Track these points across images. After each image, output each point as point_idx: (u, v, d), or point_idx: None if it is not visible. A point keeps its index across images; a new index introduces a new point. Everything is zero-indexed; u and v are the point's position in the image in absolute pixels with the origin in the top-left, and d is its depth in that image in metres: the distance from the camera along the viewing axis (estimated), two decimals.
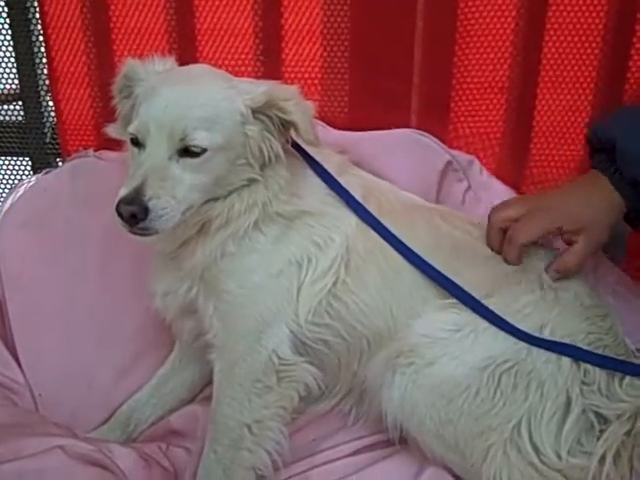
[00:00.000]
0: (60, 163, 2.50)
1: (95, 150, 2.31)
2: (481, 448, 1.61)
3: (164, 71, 1.75)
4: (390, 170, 2.06)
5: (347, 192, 1.78)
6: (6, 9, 2.37)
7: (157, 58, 1.78)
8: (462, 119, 2.25)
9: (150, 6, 2.24)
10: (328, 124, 2.21)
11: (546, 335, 1.65)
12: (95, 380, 2.01)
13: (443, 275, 1.72)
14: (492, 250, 1.79)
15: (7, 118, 2.54)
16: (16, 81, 2.47)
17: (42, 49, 2.37)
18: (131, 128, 1.64)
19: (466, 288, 1.70)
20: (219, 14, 2.23)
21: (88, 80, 2.33)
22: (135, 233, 1.60)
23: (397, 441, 1.75)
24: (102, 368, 2.02)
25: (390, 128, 2.21)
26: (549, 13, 2.10)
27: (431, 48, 2.16)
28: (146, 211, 1.55)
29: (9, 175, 2.68)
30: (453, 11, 2.12)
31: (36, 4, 2.31)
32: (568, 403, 1.61)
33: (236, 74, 1.97)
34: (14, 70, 2.45)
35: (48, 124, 2.51)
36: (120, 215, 1.56)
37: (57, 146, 2.49)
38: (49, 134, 2.51)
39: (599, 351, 1.67)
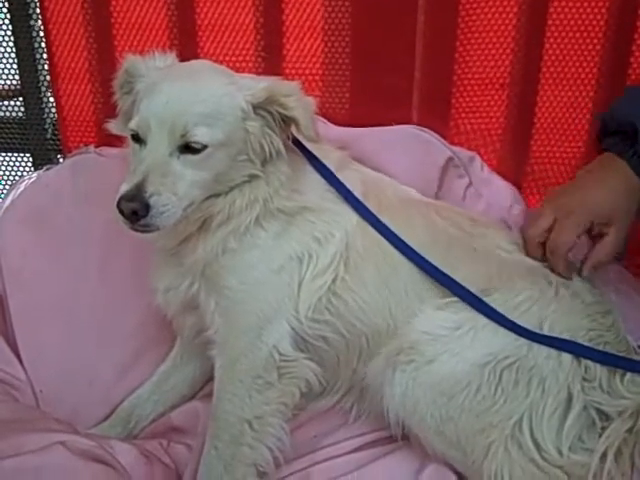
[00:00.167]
0: (61, 159, 2.50)
1: (96, 146, 2.31)
2: (482, 445, 1.61)
3: (165, 67, 1.75)
4: (391, 166, 2.06)
5: (346, 188, 1.78)
6: (7, 5, 2.37)
7: (158, 54, 1.78)
8: (463, 115, 2.25)
9: (151, 2, 2.25)
10: (329, 120, 2.21)
11: (545, 331, 1.65)
12: (96, 377, 2.01)
13: (442, 272, 1.72)
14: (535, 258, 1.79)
15: (8, 114, 2.55)
16: (17, 77, 2.47)
17: (43, 45, 2.38)
18: (132, 124, 1.64)
19: (465, 284, 1.70)
20: (220, 10, 2.23)
21: (89, 76, 2.34)
22: (136, 230, 1.59)
23: (400, 437, 1.74)
24: (103, 365, 2.02)
25: (391, 124, 2.21)
26: (550, 9, 2.10)
27: (432, 44, 2.17)
28: (147, 208, 1.55)
29: (10, 171, 2.69)
30: (454, 7, 2.13)
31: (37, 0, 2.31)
32: (569, 399, 1.61)
33: (237, 70, 1.96)
34: (15, 66, 2.46)
35: (49, 120, 2.51)
36: (121, 212, 1.56)
37: (58, 142, 2.50)
38: (50, 130, 2.52)
39: (600, 348, 1.66)
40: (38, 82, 2.44)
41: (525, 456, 1.59)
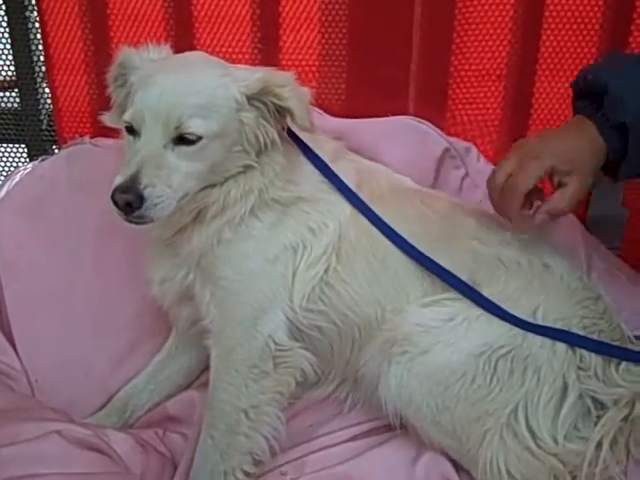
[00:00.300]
0: (56, 150, 2.49)
1: (91, 137, 2.31)
2: (478, 433, 1.61)
3: (159, 59, 1.74)
4: (387, 157, 2.06)
5: (339, 179, 1.78)
6: None
7: (152, 46, 1.77)
8: (460, 106, 2.25)
9: None
10: (325, 111, 2.21)
11: (539, 319, 1.65)
12: (91, 367, 2.01)
13: (435, 263, 1.72)
14: (500, 214, 1.76)
15: (3, 105, 2.54)
16: (12, 68, 2.46)
17: (38, 36, 2.36)
18: (126, 116, 1.63)
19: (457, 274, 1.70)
20: (216, 1, 2.23)
21: (85, 67, 2.33)
22: (130, 221, 1.59)
23: (398, 426, 1.75)
24: (98, 355, 2.03)
25: (388, 115, 2.22)
26: (547, 1, 2.10)
27: (429, 35, 2.17)
28: (141, 199, 1.54)
29: (5, 162, 2.68)
30: None
31: None
32: (565, 388, 1.61)
33: (233, 61, 1.97)
34: (10, 57, 2.44)
35: (44, 111, 2.50)
36: (115, 203, 1.56)
37: (53, 133, 2.49)
38: (45, 121, 2.51)
39: (594, 336, 1.67)
40: (33, 73, 2.43)
41: (520, 444, 1.59)
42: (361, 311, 1.75)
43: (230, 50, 2.26)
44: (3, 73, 2.48)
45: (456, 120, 2.26)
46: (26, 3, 2.35)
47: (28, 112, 2.49)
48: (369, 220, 1.76)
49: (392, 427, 1.76)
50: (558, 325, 1.65)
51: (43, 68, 2.41)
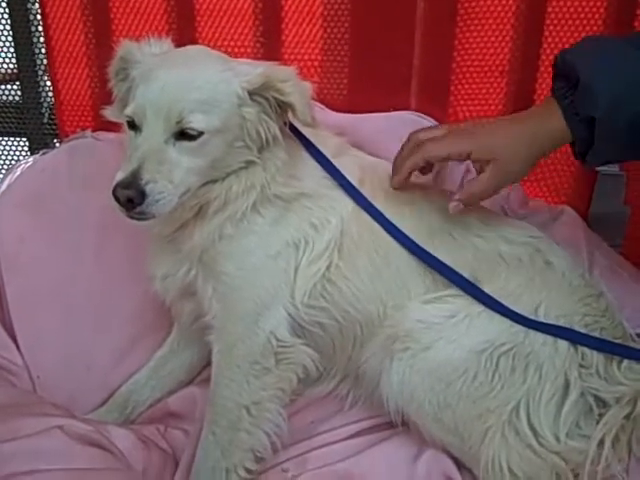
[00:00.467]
0: (57, 144, 2.49)
1: (93, 130, 2.30)
2: (479, 431, 1.61)
3: (160, 53, 1.73)
4: (389, 152, 2.02)
5: (341, 174, 1.77)
6: None
7: (153, 39, 1.76)
8: (462, 102, 2.25)
9: None
10: (327, 106, 2.21)
11: (541, 316, 1.65)
12: (93, 362, 2.01)
13: (437, 259, 1.72)
14: (394, 163, 1.78)
15: (4, 98, 2.53)
16: (14, 61, 2.46)
17: (40, 28, 2.36)
18: (127, 111, 1.63)
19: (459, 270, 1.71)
20: None
21: (86, 60, 2.32)
22: (132, 217, 1.59)
23: (400, 424, 1.75)
24: (100, 350, 2.02)
25: (389, 111, 2.21)
26: None
27: (431, 31, 2.16)
28: (143, 195, 1.54)
29: (6, 156, 2.68)
30: None
31: None
32: (566, 386, 1.61)
33: (235, 55, 1.97)
34: (12, 50, 2.44)
35: (46, 104, 2.50)
36: (117, 199, 1.55)
37: (55, 127, 2.48)
38: (47, 114, 2.51)
39: (596, 333, 1.66)
40: (35, 66, 2.43)
41: (522, 442, 1.59)
42: (362, 307, 1.75)
43: (232, 44, 2.25)
44: (4, 66, 2.47)
45: (458, 116, 2.26)
46: None
47: (29, 105, 2.48)
48: (371, 216, 1.75)
49: (393, 424, 1.75)
50: (560, 322, 1.65)
51: (45, 61, 2.40)
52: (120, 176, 1.56)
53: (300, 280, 1.73)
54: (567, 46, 2.08)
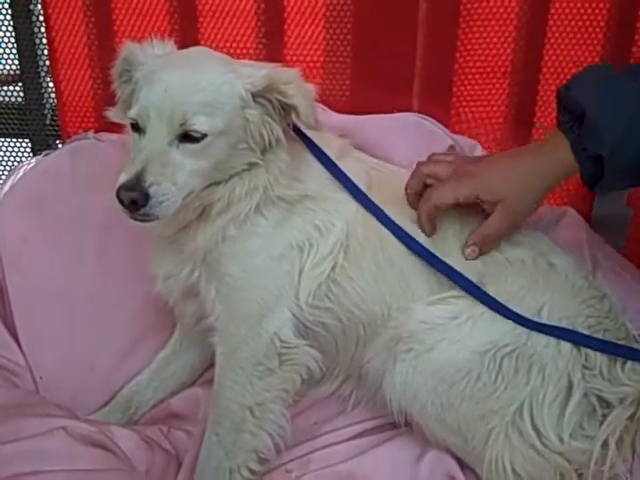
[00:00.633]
0: (60, 145, 2.49)
1: (95, 132, 2.30)
2: (483, 431, 1.61)
3: (163, 54, 1.73)
4: (392, 154, 2.06)
5: (346, 176, 1.77)
6: None
7: (156, 41, 1.76)
8: (464, 103, 2.25)
9: None
10: (330, 107, 2.20)
11: (544, 318, 1.65)
12: (96, 363, 2.01)
13: (440, 260, 1.72)
14: (407, 199, 1.77)
15: (7, 99, 2.53)
16: (16, 62, 2.45)
17: (42, 30, 2.36)
18: (131, 113, 1.62)
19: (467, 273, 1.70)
20: None
21: (89, 61, 2.32)
22: (135, 219, 1.59)
23: (403, 424, 1.74)
24: (102, 351, 2.02)
25: (392, 112, 2.21)
26: None
27: (434, 32, 2.16)
28: (146, 197, 1.54)
29: (9, 157, 2.68)
30: None
31: None
32: (570, 387, 1.61)
33: (238, 56, 1.96)
34: (14, 51, 2.44)
35: (48, 105, 2.49)
36: (121, 201, 1.55)
37: (57, 128, 2.48)
38: (49, 115, 2.50)
39: (599, 335, 1.66)
40: (37, 67, 2.42)
41: (525, 443, 1.59)
42: (367, 308, 1.75)
43: (234, 45, 2.25)
44: (7, 67, 2.47)
45: (460, 117, 2.25)
46: None
47: (32, 106, 2.48)
48: (376, 218, 1.75)
49: (396, 425, 1.76)
50: (563, 324, 1.65)
51: (47, 62, 2.40)
52: (124, 178, 1.56)
53: (305, 282, 1.73)
54: (569, 47, 2.12)
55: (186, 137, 1.59)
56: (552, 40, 2.14)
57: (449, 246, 1.76)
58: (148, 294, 1.89)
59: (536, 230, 1.85)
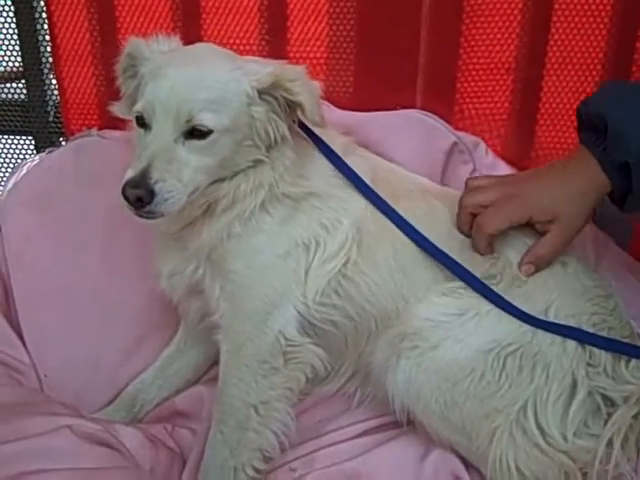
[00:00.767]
0: (63, 142, 2.48)
1: (99, 129, 2.30)
2: (487, 430, 1.61)
3: (169, 51, 1.73)
4: (395, 151, 2.05)
5: (355, 174, 1.77)
6: None
7: (161, 37, 1.75)
8: (468, 100, 2.24)
9: None
10: (333, 104, 2.19)
11: (551, 316, 1.65)
12: (100, 361, 2.01)
13: (448, 256, 1.71)
14: (461, 233, 1.76)
15: (10, 96, 2.52)
16: (19, 59, 2.44)
17: (45, 26, 2.35)
18: (137, 107, 1.62)
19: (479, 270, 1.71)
20: None
21: (92, 58, 2.31)
22: (141, 216, 1.59)
23: (405, 423, 1.75)
24: (107, 349, 2.02)
25: (396, 108, 2.20)
26: None
27: (437, 28, 2.15)
28: (152, 194, 1.54)
29: (12, 154, 2.67)
30: None
31: None
32: (574, 385, 1.61)
33: (241, 53, 1.96)
34: (17, 48, 2.43)
35: (51, 103, 2.49)
36: (126, 198, 1.55)
37: (60, 125, 2.47)
38: (52, 113, 2.50)
39: (604, 333, 1.66)
40: (40, 64, 2.42)
41: (530, 441, 1.59)
42: (379, 303, 1.74)
43: (237, 41, 2.24)
44: (10, 64, 2.46)
45: (464, 114, 2.25)
46: None
47: (35, 104, 2.47)
48: (384, 214, 1.75)
49: (400, 424, 1.76)
50: (569, 322, 1.65)
51: (50, 59, 2.39)
52: (129, 175, 1.56)
53: (312, 279, 1.73)
54: (574, 43, 2.11)
55: (192, 134, 1.59)
56: (556, 36, 2.13)
57: (456, 241, 1.76)
58: (152, 292, 1.89)
59: None
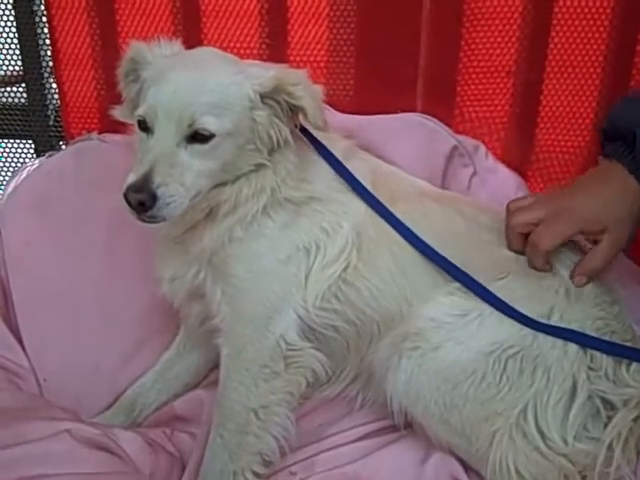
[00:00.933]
0: (63, 146, 2.48)
1: (99, 133, 2.30)
2: (487, 433, 1.61)
3: (171, 55, 1.73)
4: (396, 155, 2.05)
5: (355, 178, 1.77)
6: None
7: (163, 41, 1.75)
8: (468, 103, 2.24)
9: None
10: (333, 107, 2.19)
11: (556, 319, 1.65)
12: (100, 365, 2.01)
13: (448, 261, 1.71)
14: (512, 250, 1.76)
15: (10, 100, 2.53)
16: (19, 63, 2.45)
17: (45, 30, 2.35)
18: (139, 111, 1.62)
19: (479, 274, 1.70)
20: None
21: (92, 62, 2.31)
22: (143, 220, 1.59)
23: (402, 426, 1.75)
24: (107, 353, 2.02)
25: (396, 112, 2.21)
26: None
27: (437, 31, 2.16)
28: (154, 199, 1.54)
29: (12, 158, 2.68)
30: None
31: None
32: (574, 388, 1.61)
33: (241, 56, 1.96)
34: (17, 52, 2.43)
35: (51, 106, 2.49)
36: (129, 203, 1.55)
37: (60, 129, 2.48)
38: (52, 116, 2.50)
39: (606, 337, 1.66)
40: (41, 68, 2.42)
41: (530, 444, 1.59)
42: (381, 306, 1.74)
43: (238, 45, 2.25)
44: (10, 68, 2.47)
45: (464, 117, 2.25)
46: None
47: (35, 107, 2.48)
48: (383, 218, 1.75)
49: (398, 427, 1.76)
50: (572, 326, 1.65)
51: (50, 63, 2.40)
52: (132, 179, 1.56)
53: (312, 284, 1.72)
54: (574, 46, 2.11)
55: (194, 138, 1.59)
56: (556, 39, 2.13)
57: (454, 243, 1.76)
58: (153, 296, 1.89)
59: None
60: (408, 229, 1.73)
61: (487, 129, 2.26)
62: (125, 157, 1.78)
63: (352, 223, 1.75)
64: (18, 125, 2.54)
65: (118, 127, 2.01)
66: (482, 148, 2.23)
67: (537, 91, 2.19)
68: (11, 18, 2.39)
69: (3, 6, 2.40)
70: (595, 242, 1.73)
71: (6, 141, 2.65)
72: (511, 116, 2.23)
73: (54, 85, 2.43)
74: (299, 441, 1.75)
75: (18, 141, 2.63)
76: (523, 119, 2.23)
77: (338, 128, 1.95)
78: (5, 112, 2.54)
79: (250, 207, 1.69)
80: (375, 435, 1.80)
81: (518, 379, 1.61)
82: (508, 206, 1.80)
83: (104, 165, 2.10)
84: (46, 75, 2.44)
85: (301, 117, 1.69)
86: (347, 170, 1.77)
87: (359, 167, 1.80)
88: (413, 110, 2.22)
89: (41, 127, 2.50)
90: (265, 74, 1.66)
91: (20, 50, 2.42)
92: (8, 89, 2.52)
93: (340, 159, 1.78)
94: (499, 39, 2.16)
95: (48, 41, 2.35)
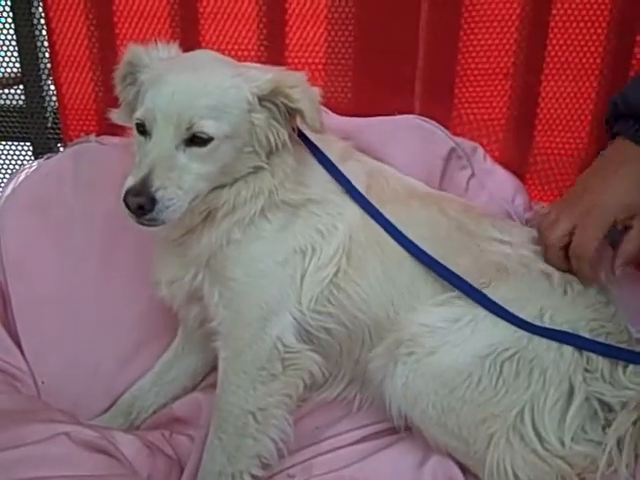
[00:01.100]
0: (61, 148, 2.48)
1: (97, 135, 2.30)
2: (484, 436, 1.61)
3: (168, 57, 1.74)
4: (394, 157, 2.05)
5: (347, 180, 1.77)
6: None
7: (160, 44, 1.76)
8: (466, 105, 2.24)
9: None
10: (331, 109, 2.19)
11: (546, 321, 1.65)
12: (98, 368, 2.01)
13: (441, 265, 1.72)
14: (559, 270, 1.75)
15: (8, 102, 2.53)
16: (17, 65, 2.45)
17: (44, 32, 2.35)
18: (137, 114, 1.63)
19: (464, 277, 1.70)
20: None
21: (90, 64, 2.31)
22: (142, 223, 1.59)
23: (402, 429, 1.75)
24: (105, 356, 2.02)
25: (394, 114, 2.20)
26: None
27: (436, 33, 2.15)
28: (153, 202, 1.54)
29: (10, 160, 2.68)
30: None
31: None
32: (571, 390, 1.61)
33: (239, 59, 1.96)
34: (15, 54, 2.43)
35: (49, 108, 2.50)
36: (127, 206, 1.55)
37: (58, 131, 2.48)
38: (50, 119, 2.50)
39: (601, 338, 1.66)
40: (39, 70, 2.42)
41: (527, 447, 1.59)
42: (371, 312, 1.75)
43: (236, 47, 2.25)
44: (8, 70, 2.47)
45: (462, 119, 2.25)
46: None
47: (33, 110, 2.48)
48: (377, 222, 1.75)
49: (398, 430, 1.76)
50: (564, 328, 1.65)
51: (48, 65, 2.40)
52: (130, 182, 1.56)
53: (307, 286, 1.73)
54: (572, 48, 2.11)
55: (192, 141, 1.60)
56: (554, 42, 2.13)
57: (448, 246, 1.77)
58: (152, 298, 1.89)
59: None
60: (401, 233, 1.74)
61: (485, 131, 2.26)
62: (123, 159, 1.77)
63: (347, 225, 1.75)
64: (16, 127, 2.54)
65: (116, 129, 2.00)
66: (480, 150, 2.23)
67: (535, 93, 2.19)
68: (9, 20, 2.39)
69: (1, 8, 2.40)
70: (626, 228, 1.71)
71: (4, 143, 2.65)
72: (509, 118, 2.23)
73: (52, 87, 2.43)
74: (297, 444, 1.75)
75: (16, 143, 2.63)
76: (521, 121, 2.23)
77: (336, 130, 1.95)
78: (3, 114, 2.54)
79: (248, 209, 1.70)
80: (373, 438, 1.80)
81: (514, 381, 1.61)
82: (537, 226, 1.80)
83: (102, 167, 2.11)
84: (44, 77, 2.45)
85: (299, 119, 1.70)
86: (340, 172, 1.78)
87: (355, 168, 1.81)
88: (411, 112, 2.22)
89: (39, 129, 2.51)
90: (263, 77, 1.66)
91: (18, 52, 2.42)
92: (6, 91, 2.52)
93: (336, 161, 1.79)
94: (497, 41, 2.15)
95: (46, 43, 2.35)
